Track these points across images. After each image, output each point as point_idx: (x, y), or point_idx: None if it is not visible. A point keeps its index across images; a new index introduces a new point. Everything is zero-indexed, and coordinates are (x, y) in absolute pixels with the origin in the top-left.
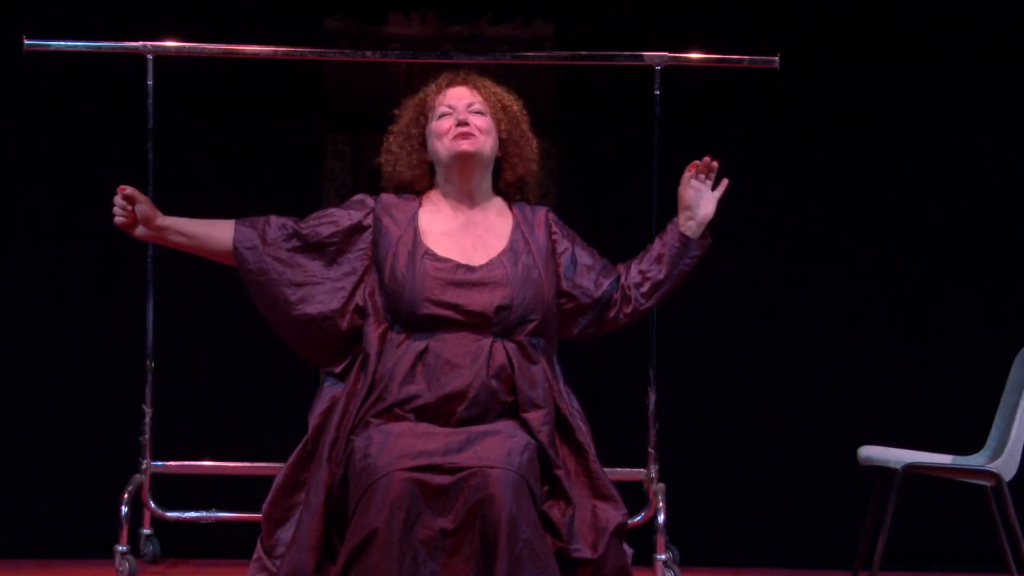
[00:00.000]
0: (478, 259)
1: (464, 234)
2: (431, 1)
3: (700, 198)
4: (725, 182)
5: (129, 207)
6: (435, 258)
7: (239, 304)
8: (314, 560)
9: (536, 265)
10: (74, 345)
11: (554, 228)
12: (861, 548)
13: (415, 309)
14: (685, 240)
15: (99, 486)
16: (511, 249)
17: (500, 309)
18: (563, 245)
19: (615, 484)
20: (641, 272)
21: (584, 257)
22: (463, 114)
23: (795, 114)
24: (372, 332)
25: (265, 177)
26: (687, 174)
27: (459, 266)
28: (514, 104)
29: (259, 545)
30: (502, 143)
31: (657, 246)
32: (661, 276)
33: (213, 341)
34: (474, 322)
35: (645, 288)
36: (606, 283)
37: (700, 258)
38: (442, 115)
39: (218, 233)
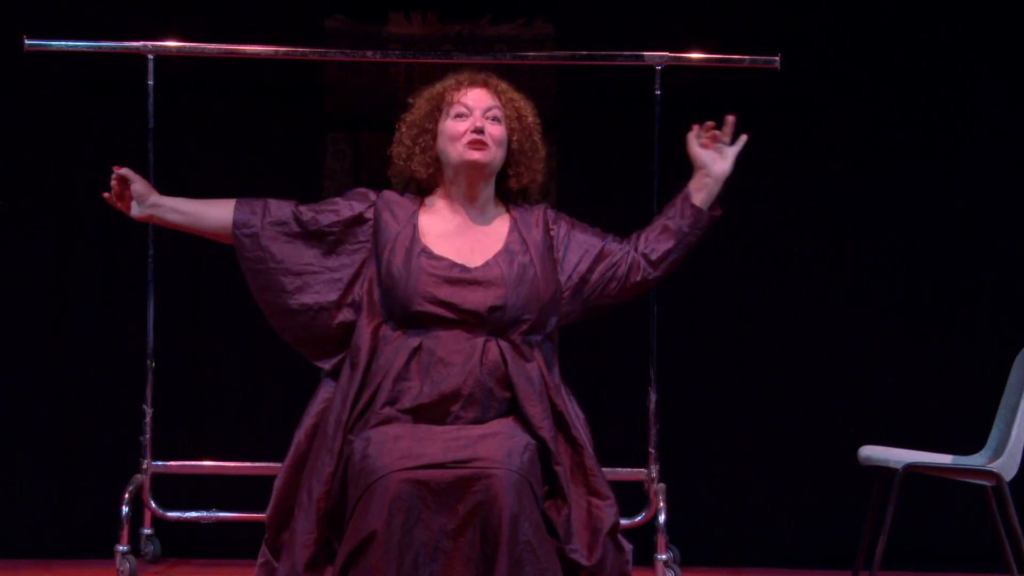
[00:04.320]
0: (475, 260)
1: (461, 236)
2: (431, 1)
3: (716, 156)
4: (743, 138)
5: (124, 188)
6: (431, 256)
7: (240, 304)
8: (306, 557)
9: (533, 264)
10: (74, 345)
11: (551, 225)
12: (861, 548)
13: (409, 306)
14: (696, 212)
15: (99, 486)
16: (507, 250)
17: (493, 309)
18: (561, 238)
19: (615, 484)
20: (648, 242)
21: (585, 240)
22: (480, 121)
23: (795, 114)
24: (365, 327)
25: (265, 177)
26: (690, 135)
27: (455, 265)
28: (530, 114)
29: (264, 547)
30: (511, 153)
31: (664, 218)
32: (669, 245)
33: (213, 341)
34: (467, 321)
35: (654, 257)
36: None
37: (708, 229)
38: (458, 115)
39: (214, 211)
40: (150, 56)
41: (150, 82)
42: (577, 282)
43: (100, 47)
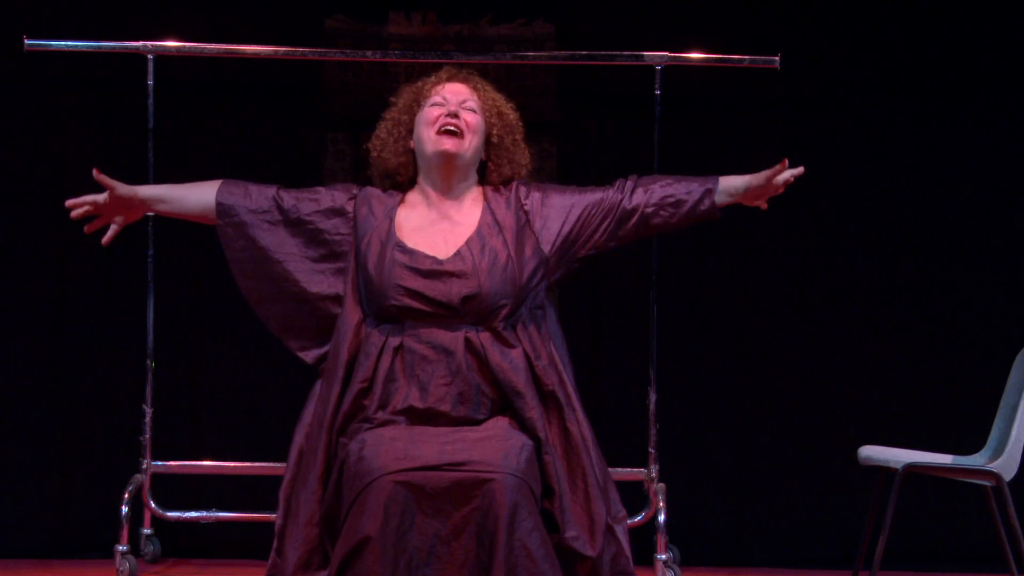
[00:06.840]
0: (446, 251)
1: (435, 228)
2: (431, 1)
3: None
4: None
5: (101, 200)
6: (403, 249)
7: (240, 304)
8: (296, 558)
9: (506, 246)
10: (74, 345)
11: (523, 200)
12: (861, 548)
13: (383, 300)
14: (713, 207)
15: (99, 486)
16: (477, 235)
17: (467, 299)
18: (537, 209)
19: (615, 484)
20: (652, 200)
21: (564, 202)
22: (455, 107)
23: (795, 114)
24: (347, 322)
25: (265, 177)
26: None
27: (426, 256)
28: (511, 113)
29: (274, 556)
30: (492, 147)
31: (679, 192)
32: (672, 221)
33: (213, 341)
34: (442, 313)
35: (653, 223)
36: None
37: (701, 219)
38: (434, 104)
39: (196, 195)
40: (150, 56)
41: (150, 82)
42: (562, 245)
43: (100, 47)
